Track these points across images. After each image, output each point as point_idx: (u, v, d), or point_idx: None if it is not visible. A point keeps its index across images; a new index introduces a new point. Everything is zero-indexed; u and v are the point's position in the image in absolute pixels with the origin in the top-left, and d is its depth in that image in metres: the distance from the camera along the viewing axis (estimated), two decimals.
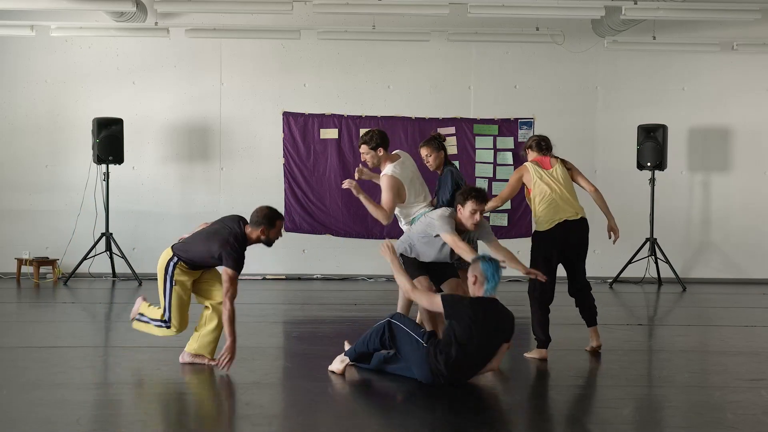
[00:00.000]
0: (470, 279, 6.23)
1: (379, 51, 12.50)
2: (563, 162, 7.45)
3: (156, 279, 6.69)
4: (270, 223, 6.58)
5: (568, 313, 7.58)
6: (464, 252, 6.72)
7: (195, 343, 6.77)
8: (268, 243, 6.67)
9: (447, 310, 6.07)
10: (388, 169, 7.53)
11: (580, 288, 7.33)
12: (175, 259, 6.61)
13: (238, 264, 6.44)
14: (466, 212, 6.79)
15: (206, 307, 6.80)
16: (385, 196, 7.41)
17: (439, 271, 7.12)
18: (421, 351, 6.11)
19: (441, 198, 7.60)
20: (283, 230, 6.80)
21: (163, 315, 6.64)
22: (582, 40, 12.57)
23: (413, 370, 6.20)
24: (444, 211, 6.94)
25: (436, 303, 6.18)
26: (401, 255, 7.13)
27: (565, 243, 7.22)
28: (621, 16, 11.05)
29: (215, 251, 6.47)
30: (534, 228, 7.41)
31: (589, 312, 7.35)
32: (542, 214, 7.25)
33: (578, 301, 7.38)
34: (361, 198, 7.40)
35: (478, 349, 6.01)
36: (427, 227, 6.96)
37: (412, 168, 7.65)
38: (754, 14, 11.14)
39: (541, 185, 7.28)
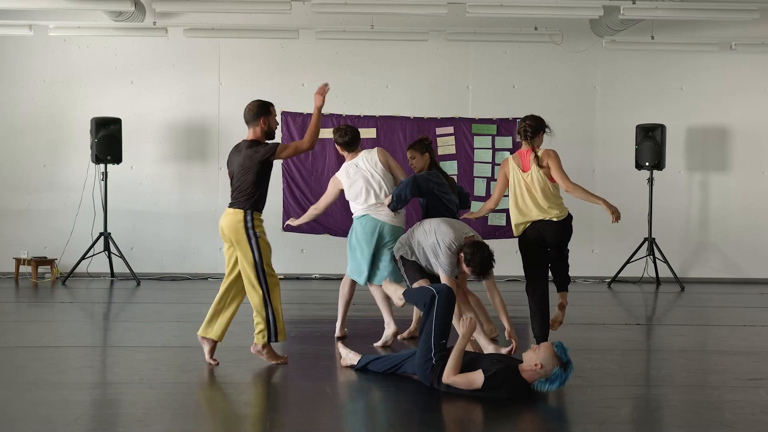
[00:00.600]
0: (533, 358, 5.78)
1: (377, 51, 12.50)
2: (541, 159, 7.20)
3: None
4: (265, 110, 6.85)
5: (568, 312, 7.58)
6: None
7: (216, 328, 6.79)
8: (272, 133, 6.89)
9: (485, 389, 5.73)
10: (340, 170, 8.00)
11: (559, 258, 7.32)
12: (249, 211, 6.64)
13: (276, 145, 6.71)
14: (463, 269, 6.90)
15: (226, 290, 6.82)
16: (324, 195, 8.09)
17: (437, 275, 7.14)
18: (428, 362, 6.00)
19: (392, 194, 7.60)
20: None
21: (261, 278, 6.68)
22: (580, 39, 12.57)
23: (416, 365, 6.17)
24: (452, 242, 6.88)
25: (475, 383, 5.76)
26: (401, 258, 7.15)
27: (542, 241, 7.18)
28: (619, 15, 11.05)
29: (257, 167, 6.65)
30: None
31: (560, 277, 7.32)
32: (512, 218, 7.28)
33: (552, 267, 7.35)
34: (303, 219, 8.42)
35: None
36: (432, 251, 6.95)
37: (367, 166, 7.80)
38: (752, 14, 11.14)
39: (513, 187, 7.26)
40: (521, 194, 7.18)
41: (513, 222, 7.26)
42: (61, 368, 6.57)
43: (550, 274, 7.34)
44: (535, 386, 5.79)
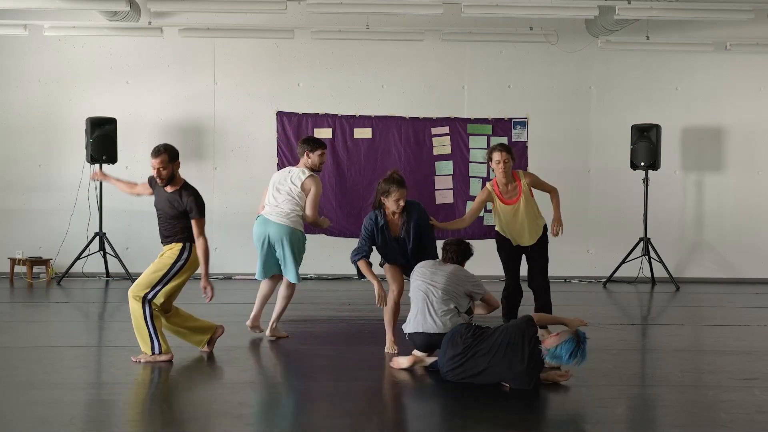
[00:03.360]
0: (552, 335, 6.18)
1: (372, 50, 12.50)
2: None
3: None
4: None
5: (563, 312, 7.59)
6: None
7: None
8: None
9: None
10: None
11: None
12: None
13: None
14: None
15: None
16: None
17: None
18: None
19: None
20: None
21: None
22: (576, 39, 12.57)
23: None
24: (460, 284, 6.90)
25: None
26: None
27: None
28: (614, 16, 11.05)
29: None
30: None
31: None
32: None
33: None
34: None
35: (479, 364, 6.05)
36: (464, 294, 6.89)
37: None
38: (747, 14, 11.14)
39: None
40: None
41: None
42: (56, 368, 6.56)
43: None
44: (548, 355, 6.01)
